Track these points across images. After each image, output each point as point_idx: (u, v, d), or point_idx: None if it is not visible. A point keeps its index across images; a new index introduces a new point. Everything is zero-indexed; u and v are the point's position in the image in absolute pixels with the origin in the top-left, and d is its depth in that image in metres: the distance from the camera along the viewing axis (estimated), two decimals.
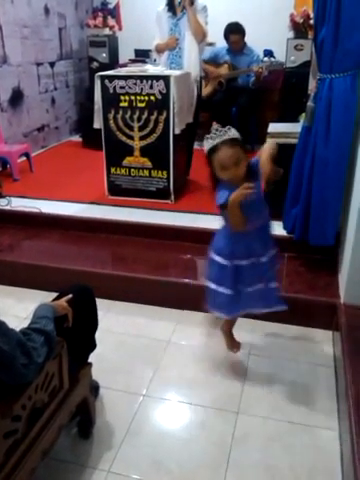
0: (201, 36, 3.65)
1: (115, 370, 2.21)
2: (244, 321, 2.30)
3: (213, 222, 3.05)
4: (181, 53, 3.71)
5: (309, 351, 2.35)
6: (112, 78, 3.36)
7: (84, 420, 1.85)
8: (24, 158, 4.37)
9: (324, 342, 2.41)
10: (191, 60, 3.69)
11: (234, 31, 4.66)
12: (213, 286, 2.01)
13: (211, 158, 1.81)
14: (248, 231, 1.88)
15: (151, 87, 3.30)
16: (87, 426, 1.85)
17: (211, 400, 2.04)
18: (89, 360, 1.84)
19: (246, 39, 4.77)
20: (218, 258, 1.97)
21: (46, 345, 1.38)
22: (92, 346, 1.87)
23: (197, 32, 3.62)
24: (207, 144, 1.82)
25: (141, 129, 3.43)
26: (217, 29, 4.66)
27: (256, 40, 4.83)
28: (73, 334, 1.65)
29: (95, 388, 1.99)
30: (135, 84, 3.32)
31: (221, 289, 1.98)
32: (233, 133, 1.80)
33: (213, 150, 1.79)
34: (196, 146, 4.02)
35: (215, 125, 1.80)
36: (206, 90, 4.82)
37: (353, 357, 2.00)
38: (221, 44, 4.94)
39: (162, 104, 3.32)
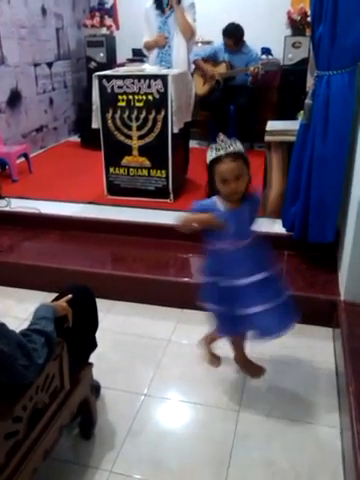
0: (189, 34, 3.65)
1: (116, 370, 2.21)
2: None
3: None
4: (170, 51, 3.71)
5: (309, 348, 2.35)
6: (110, 78, 3.36)
7: (85, 420, 1.85)
8: (23, 159, 4.37)
9: (324, 339, 2.41)
10: (179, 57, 3.69)
11: (230, 33, 4.66)
12: (205, 305, 1.95)
13: (213, 169, 1.76)
14: (228, 250, 1.83)
15: (149, 86, 3.29)
16: (88, 426, 1.85)
17: (212, 398, 2.04)
18: (90, 360, 1.84)
19: (244, 37, 4.76)
20: (203, 276, 1.94)
21: (46, 346, 1.38)
22: (93, 346, 1.87)
23: (185, 30, 3.62)
24: (210, 154, 1.77)
25: (139, 128, 3.43)
26: (216, 27, 4.66)
27: (253, 38, 4.81)
28: (73, 334, 1.65)
29: (96, 388, 1.99)
30: (133, 83, 3.32)
31: (211, 306, 1.92)
32: (238, 146, 1.75)
33: (215, 161, 1.74)
34: (195, 145, 4.02)
35: (221, 136, 1.75)
36: (203, 89, 4.81)
37: (353, 354, 2.01)
38: (218, 42, 4.93)
39: (160, 103, 3.32)
